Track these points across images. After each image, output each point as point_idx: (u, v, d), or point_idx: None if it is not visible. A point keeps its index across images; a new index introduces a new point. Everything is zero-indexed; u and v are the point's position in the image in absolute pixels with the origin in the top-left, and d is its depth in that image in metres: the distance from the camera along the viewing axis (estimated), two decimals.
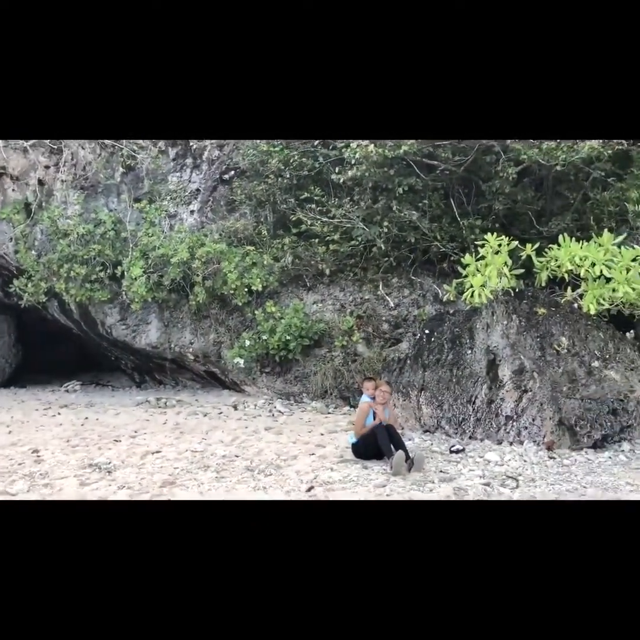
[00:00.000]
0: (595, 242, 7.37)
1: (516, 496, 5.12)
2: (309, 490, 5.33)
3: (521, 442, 6.83)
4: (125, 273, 10.66)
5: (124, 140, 11.38)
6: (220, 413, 9.33)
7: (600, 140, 8.58)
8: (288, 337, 9.81)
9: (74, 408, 10.12)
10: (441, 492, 5.22)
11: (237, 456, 6.58)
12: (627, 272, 6.88)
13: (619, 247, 7.27)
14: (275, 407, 9.54)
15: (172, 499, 5.00)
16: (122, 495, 5.15)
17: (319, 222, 10.36)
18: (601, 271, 7.01)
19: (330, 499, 5.06)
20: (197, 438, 7.48)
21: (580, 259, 7.05)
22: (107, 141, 11.41)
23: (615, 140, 8.62)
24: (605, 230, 7.53)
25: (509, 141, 9.25)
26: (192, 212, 11.79)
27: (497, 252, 7.38)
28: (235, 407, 9.71)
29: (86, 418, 9.01)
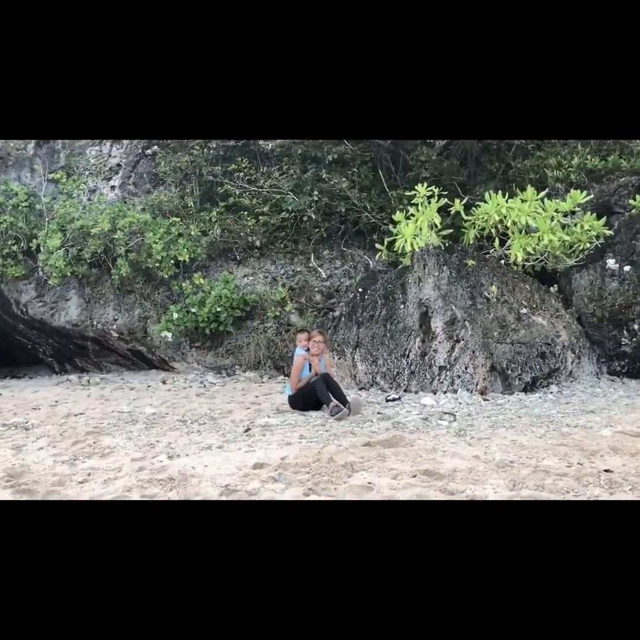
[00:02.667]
0: (520, 198, 7.61)
1: (454, 426, 5.12)
2: (246, 431, 5.11)
3: (455, 391, 6.88)
4: (41, 246, 10.03)
5: None
6: (148, 386, 8.90)
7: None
8: (218, 309, 9.52)
9: None
10: (381, 427, 5.14)
11: (167, 413, 6.25)
12: (551, 222, 7.12)
13: (542, 202, 7.54)
14: (206, 380, 9.20)
15: (98, 449, 4.63)
16: (42, 443, 4.74)
17: (247, 193, 10.17)
18: (526, 222, 7.22)
19: (268, 436, 4.86)
20: (125, 402, 7.07)
21: (507, 211, 7.24)
22: None
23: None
24: (529, 186, 7.78)
25: None
26: (113, 187, 11.29)
27: (426, 207, 7.46)
28: (164, 382, 9.29)
29: (0, 394, 8.35)
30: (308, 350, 6.48)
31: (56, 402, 7.38)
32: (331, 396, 5.96)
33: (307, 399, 6.24)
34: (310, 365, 6.40)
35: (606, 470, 3.55)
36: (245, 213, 10.17)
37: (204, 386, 8.79)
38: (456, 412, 5.74)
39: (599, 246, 7.57)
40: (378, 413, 5.85)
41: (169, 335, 9.70)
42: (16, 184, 10.63)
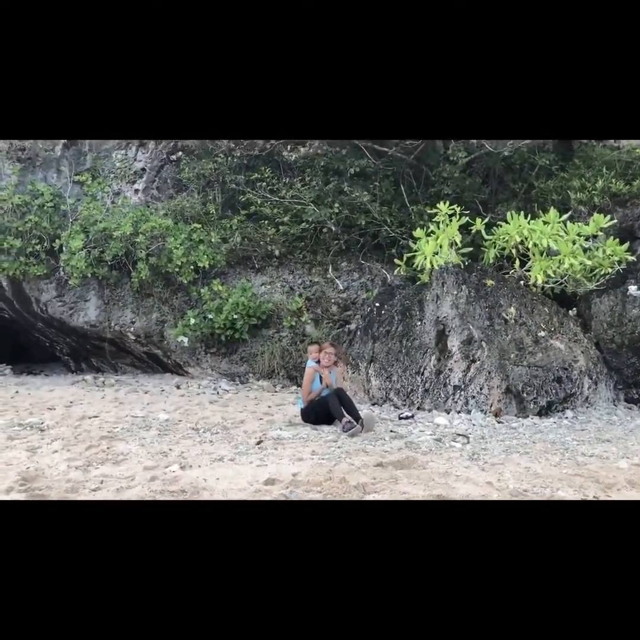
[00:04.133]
0: (542, 220, 7.57)
1: (467, 448, 5.09)
2: (258, 443, 5.12)
3: (469, 411, 6.84)
4: (64, 247, 10.16)
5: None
6: (162, 391, 8.96)
7: None
8: (235, 316, 9.57)
9: (2, 386, 9.48)
10: (394, 446, 5.12)
11: (180, 420, 6.28)
12: (573, 245, 7.07)
13: (564, 225, 7.49)
14: (220, 386, 9.24)
15: (112, 455, 4.66)
16: (57, 446, 4.79)
17: (268, 203, 10.23)
18: (548, 245, 7.18)
19: (280, 450, 4.87)
20: (138, 407, 7.12)
21: (529, 232, 7.20)
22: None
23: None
24: (551, 208, 7.74)
25: None
26: (136, 191, 11.41)
27: (447, 225, 7.45)
28: (178, 387, 9.35)
29: (17, 392, 8.45)
30: (319, 362, 6.47)
31: (71, 402, 7.45)
32: (344, 411, 5.95)
33: (320, 412, 6.23)
34: (321, 377, 6.40)
35: None
36: (266, 222, 10.23)
37: (217, 393, 8.83)
38: (470, 434, 5.70)
39: (621, 271, 7.50)
40: (391, 431, 5.83)
41: (185, 340, 9.76)
42: (42, 185, 10.79)
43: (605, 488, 3.86)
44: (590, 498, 3.64)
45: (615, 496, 3.70)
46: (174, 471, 4.07)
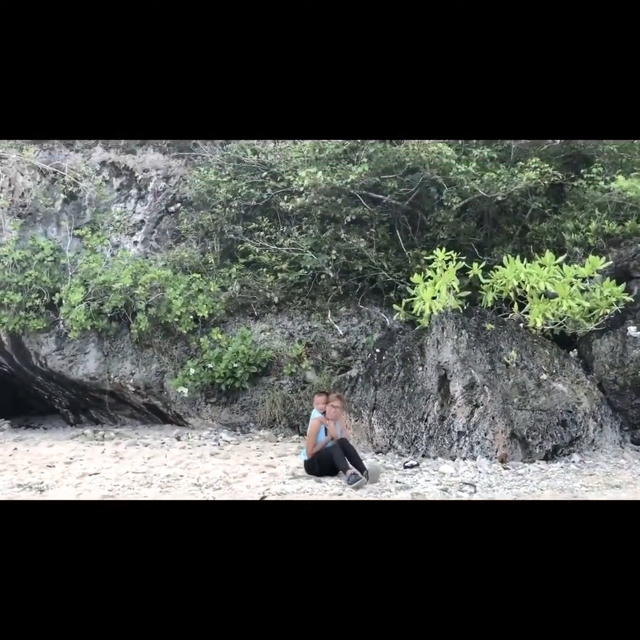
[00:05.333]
0: (538, 263, 7.64)
1: (475, 499, 5.00)
2: (262, 499, 5.03)
3: (474, 458, 6.75)
4: (64, 300, 10.19)
5: (66, 168, 11.13)
6: (163, 443, 8.85)
7: (538, 172, 9.05)
8: (235, 365, 9.53)
9: (0, 443, 9.36)
10: (400, 498, 5.03)
11: (181, 476, 6.18)
12: (570, 287, 7.11)
13: (560, 267, 7.56)
14: (221, 437, 9.14)
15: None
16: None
17: (267, 251, 10.33)
18: (545, 288, 7.22)
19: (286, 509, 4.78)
20: (139, 462, 7.02)
21: (525, 276, 7.25)
22: (47, 167, 11.12)
23: (551, 173, 9.11)
24: (547, 251, 7.82)
25: (451, 173, 9.63)
26: (135, 243, 11.54)
27: (445, 270, 7.51)
28: (178, 438, 9.24)
29: (15, 449, 8.34)
30: (325, 413, 6.42)
31: (71, 458, 7.34)
32: (348, 463, 5.87)
33: (324, 464, 6.14)
34: (326, 429, 6.33)
35: None
36: (264, 270, 10.31)
37: (219, 444, 8.72)
38: (476, 482, 5.61)
39: (619, 312, 7.52)
40: (396, 481, 5.74)
41: (185, 391, 9.70)
42: (43, 239, 10.92)
43: None
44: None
45: None
46: None
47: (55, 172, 11.26)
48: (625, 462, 6.57)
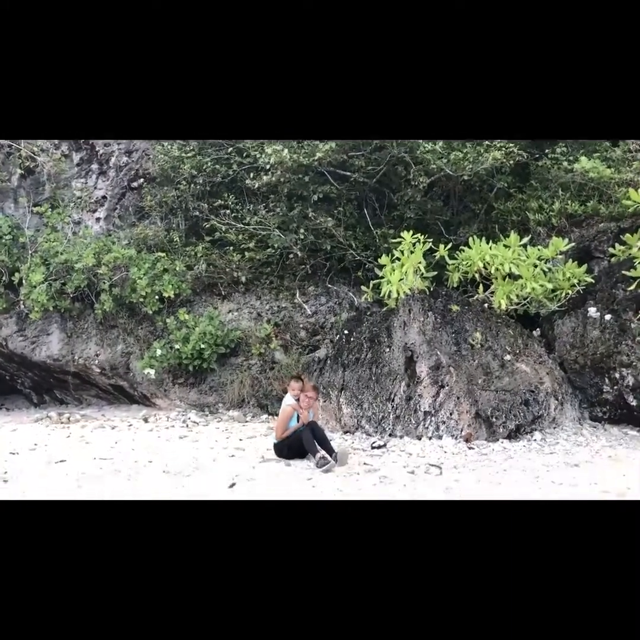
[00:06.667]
0: (503, 244, 7.72)
1: (441, 481, 5.12)
2: (231, 486, 5.06)
3: (440, 437, 6.90)
4: (24, 280, 9.92)
5: (22, 141, 10.71)
6: (130, 425, 8.78)
7: (503, 152, 9.10)
8: (202, 346, 9.46)
9: None
10: (368, 482, 5.12)
11: (150, 461, 6.16)
12: (534, 270, 7.23)
13: (524, 248, 7.66)
14: (189, 418, 9.11)
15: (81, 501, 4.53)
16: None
17: (233, 229, 10.19)
18: (510, 269, 7.33)
19: (257, 495, 4.82)
20: (106, 447, 6.96)
21: (491, 257, 7.34)
22: (2, 141, 10.68)
23: (516, 152, 9.18)
24: (512, 232, 7.91)
25: (418, 152, 9.61)
26: (98, 219, 11.24)
27: (411, 252, 7.54)
28: (146, 420, 9.18)
29: None
30: (298, 399, 6.41)
31: (35, 444, 7.24)
32: (318, 446, 5.93)
33: (293, 447, 6.20)
34: (298, 416, 6.36)
35: None
36: (231, 248, 10.19)
37: (187, 426, 8.70)
38: (442, 463, 5.75)
39: (581, 292, 7.69)
40: (364, 463, 5.84)
41: (152, 372, 9.61)
42: (0, 216, 10.54)
43: None
44: None
45: None
46: None
47: (10, 146, 10.83)
48: (584, 438, 6.80)
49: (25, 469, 5.83)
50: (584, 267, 7.63)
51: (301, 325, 10.07)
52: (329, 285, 10.40)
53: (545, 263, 7.61)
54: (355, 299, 10.05)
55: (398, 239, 7.76)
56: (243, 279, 10.26)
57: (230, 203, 10.21)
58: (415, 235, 7.54)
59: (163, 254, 10.16)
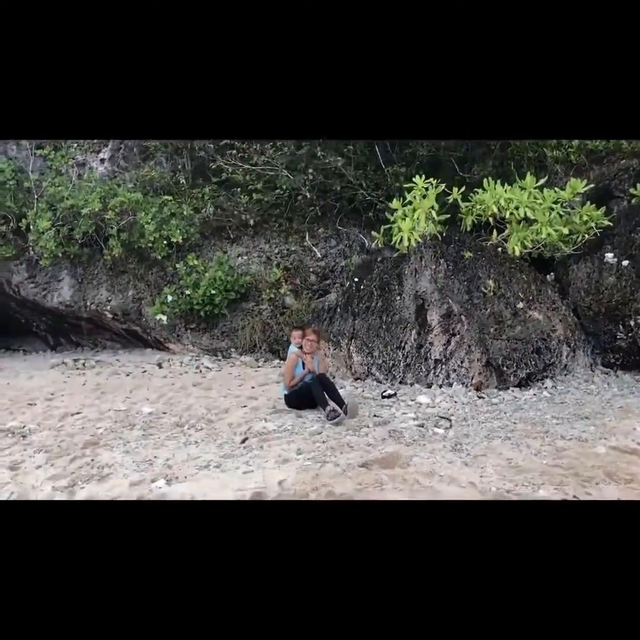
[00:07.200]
0: (518, 186, 7.45)
1: (450, 435, 5.18)
2: (243, 441, 5.15)
3: (450, 385, 6.92)
4: (31, 226, 9.83)
5: None
6: (145, 371, 8.91)
7: None
8: (213, 291, 9.44)
9: None
10: (377, 436, 5.19)
11: (164, 413, 6.28)
12: (550, 214, 7.00)
13: (541, 190, 7.39)
14: (202, 364, 9.22)
15: (96, 468, 4.64)
16: (40, 459, 4.77)
17: (240, 169, 9.92)
18: (525, 214, 7.10)
19: (266, 449, 4.92)
20: (121, 397, 7.09)
21: (505, 201, 7.10)
22: None
23: None
24: (528, 174, 7.61)
25: None
26: (102, 160, 11.00)
27: (424, 196, 7.31)
28: (160, 365, 9.31)
29: None
30: (301, 347, 6.45)
31: (52, 394, 7.39)
32: (328, 398, 5.98)
33: (303, 398, 6.26)
34: (303, 362, 6.39)
35: None
36: (239, 190, 9.96)
37: (200, 371, 8.81)
38: (452, 415, 5.79)
39: (597, 236, 7.47)
40: (374, 416, 5.90)
41: (164, 318, 9.65)
42: (2, 160, 10.33)
43: (583, 482, 3.97)
44: (570, 498, 3.74)
45: (594, 493, 3.81)
46: (160, 487, 4.09)
47: None
48: (595, 387, 6.79)
49: (42, 422, 5.97)
50: (602, 209, 7.38)
51: (311, 269, 9.97)
52: (339, 227, 10.20)
53: (562, 206, 7.36)
54: (366, 240, 9.87)
55: (410, 185, 7.50)
56: (251, 221, 10.09)
57: (236, 142, 9.89)
58: (427, 180, 7.28)
59: (170, 198, 9.97)
